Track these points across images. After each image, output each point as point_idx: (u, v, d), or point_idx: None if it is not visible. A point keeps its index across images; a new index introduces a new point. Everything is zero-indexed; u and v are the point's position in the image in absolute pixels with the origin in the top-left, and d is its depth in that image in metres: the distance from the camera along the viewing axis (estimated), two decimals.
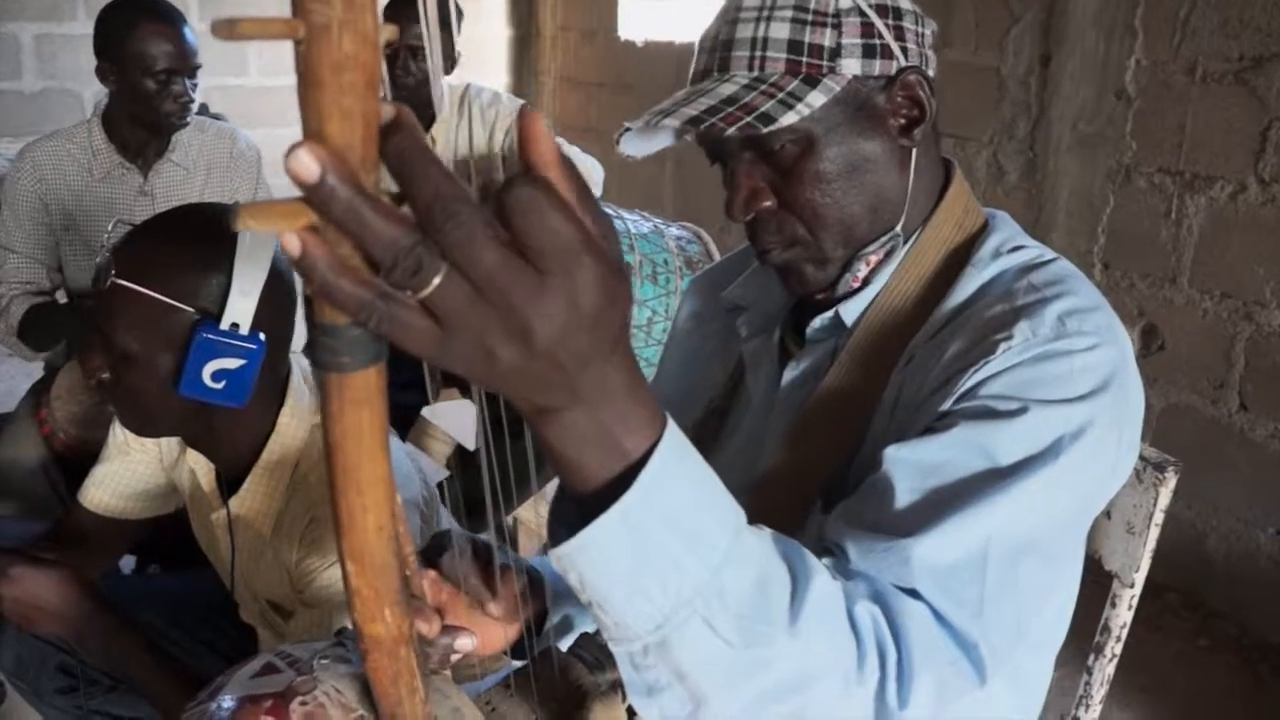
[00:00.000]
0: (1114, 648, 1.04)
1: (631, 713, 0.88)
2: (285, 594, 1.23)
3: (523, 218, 0.41)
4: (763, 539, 0.58)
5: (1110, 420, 0.78)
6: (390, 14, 2.11)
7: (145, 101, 2.09)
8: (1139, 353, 2.46)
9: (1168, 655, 2.41)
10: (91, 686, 1.42)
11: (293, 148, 0.38)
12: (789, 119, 0.81)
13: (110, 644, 1.17)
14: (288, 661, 0.74)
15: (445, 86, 2.40)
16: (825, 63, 0.84)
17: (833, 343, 0.93)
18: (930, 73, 0.89)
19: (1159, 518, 0.98)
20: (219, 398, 1.10)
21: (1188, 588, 2.59)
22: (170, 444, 1.38)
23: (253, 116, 4.23)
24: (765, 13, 0.84)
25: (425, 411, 1.99)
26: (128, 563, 1.96)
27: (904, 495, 0.74)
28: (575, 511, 0.52)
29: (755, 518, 0.58)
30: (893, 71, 0.86)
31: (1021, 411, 0.75)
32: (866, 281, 0.91)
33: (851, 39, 0.84)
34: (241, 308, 1.09)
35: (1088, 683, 1.05)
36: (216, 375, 1.09)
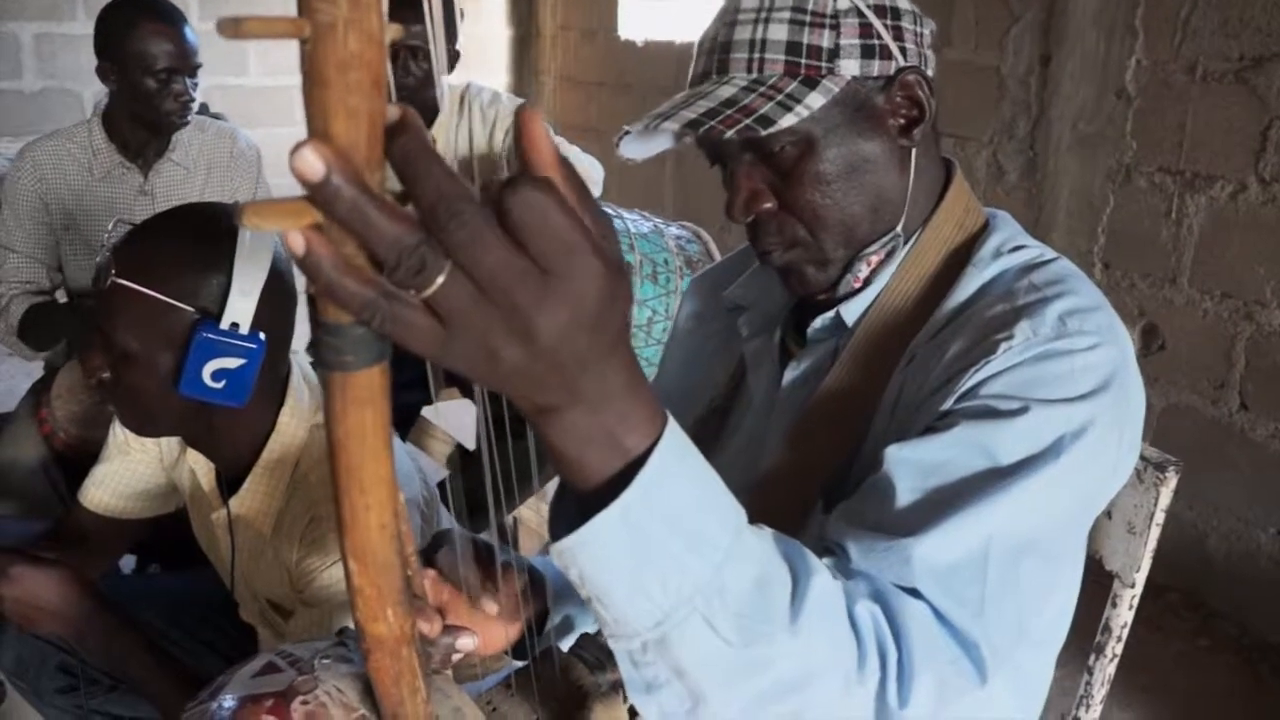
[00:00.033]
0: (1115, 648, 1.04)
1: (633, 713, 0.88)
2: (285, 593, 1.23)
3: (524, 219, 0.41)
4: (763, 538, 0.58)
5: (1111, 420, 0.78)
6: (391, 14, 2.10)
7: (146, 101, 2.09)
8: (1139, 352, 2.46)
9: (1168, 655, 2.41)
10: (92, 686, 1.42)
11: (298, 146, 0.38)
12: (788, 121, 0.81)
13: (110, 643, 1.17)
14: (289, 661, 0.74)
15: (445, 86, 2.40)
16: (824, 64, 0.84)
17: (834, 343, 0.93)
18: (929, 72, 0.89)
19: (1160, 518, 0.98)
20: (219, 397, 1.10)
21: (1188, 588, 2.59)
22: (170, 443, 1.38)
23: (253, 116, 4.23)
24: (763, 14, 0.84)
25: (426, 411, 1.99)
26: (128, 562, 1.96)
27: (905, 495, 0.74)
28: (576, 509, 0.52)
29: (756, 517, 0.58)
30: (891, 72, 0.86)
31: (1022, 411, 0.75)
32: (867, 282, 0.91)
33: (850, 40, 0.84)
34: (241, 307, 1.09)
35: (1088, 682, 1.05)
36: (216, 375, 1.09)
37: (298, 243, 0.40)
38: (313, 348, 0.44)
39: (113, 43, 2.07)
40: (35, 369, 2.31)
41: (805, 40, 0.83)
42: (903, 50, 0.86)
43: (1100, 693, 1.05)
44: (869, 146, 0.87)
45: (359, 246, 0.41)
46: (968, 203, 0.94)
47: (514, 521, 2.32)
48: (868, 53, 0.84)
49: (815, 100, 0.83)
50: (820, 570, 0.61)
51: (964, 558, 0.71)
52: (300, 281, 0.92)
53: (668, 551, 0.51)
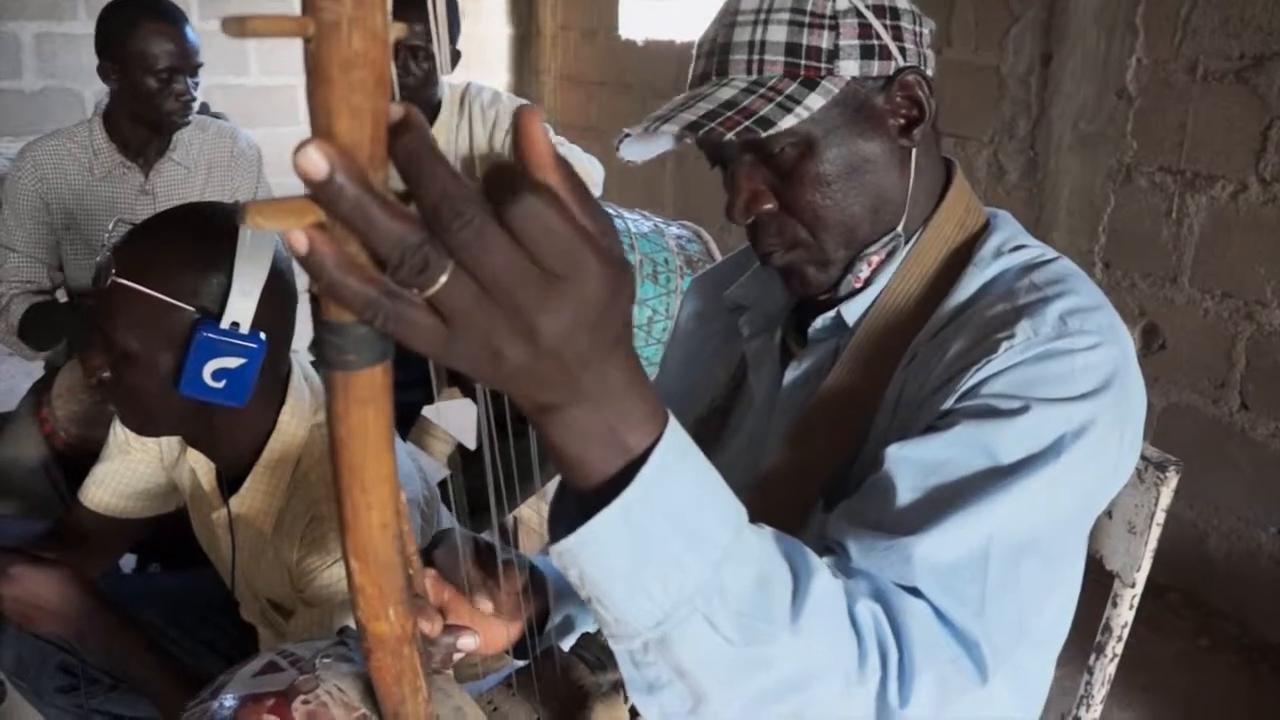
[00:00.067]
0: (1115, 647, 1.04)
1: (634, 713, 0.88)
2: (286, 593, 1.23)
3: (525, 226, 0.41)
4: (764, 537, 0.58)
5: (1112, 419, 0.78)
6: (393, 13, 2.10)
7: (147, 100, 2.09)
8: (1140, 352, 2.46)
9: (1168, 655, 2.41)
10: (92, 685, 1.42)
11: (301, 145, 0.38)
12: (788, 122, 0.81)
13: (111, 643, 1.17)
14: (290, 660, 0.74)
15: (445, 86, 2.39)
16: (823, 65, 0.84)
17: (834, 342, 0.93)
18: (929, 72, 0.89)
19: (1160, 517, 0.98)
20: (219, 397, 1.10)
21: (1188, 587, 2.59)
22: (171, 443, 1.38)
23: (253, 115, 4.23)
24: (762, 16, 0.84)
25: (427, 410, 1.99)
26: (128, 562, 1.96)
27: (905, 494, 0.74)
28: (577, 508, 0.52)
29: (757, 517, 0.58)
30: (891, 72, 0.86)
31: (1023, 410, 0.75)
32: (868, 281, 0.91)
33: (849, 40, 0.84)
34: (242, 307, 1.09)
35: (1089, 682, 1.05)
36: (217, 374, 1.09)
37: (301, 242, 0.40)
38: (315, 347, 0.45)
39: (114, 42, 2.07)
40: (36, 368, 2.31)
41: (804, 41, 0.83)
42: (902, 50, 0.86)
43: (1100, 692, 1.05)
44: (869, 147, 0.87)
45: (362, 245, 0.41)
46: (968, 202, 0.94)
47: (514, 521, 2.32)
48: (867, 53, 0.84)
49: (815, 101, 0.83)
50: (821, 569, 0.62)
51: (964, 557, 0.71)
52: (302, 281, 0.92)
53: (668, 550, 0.51)
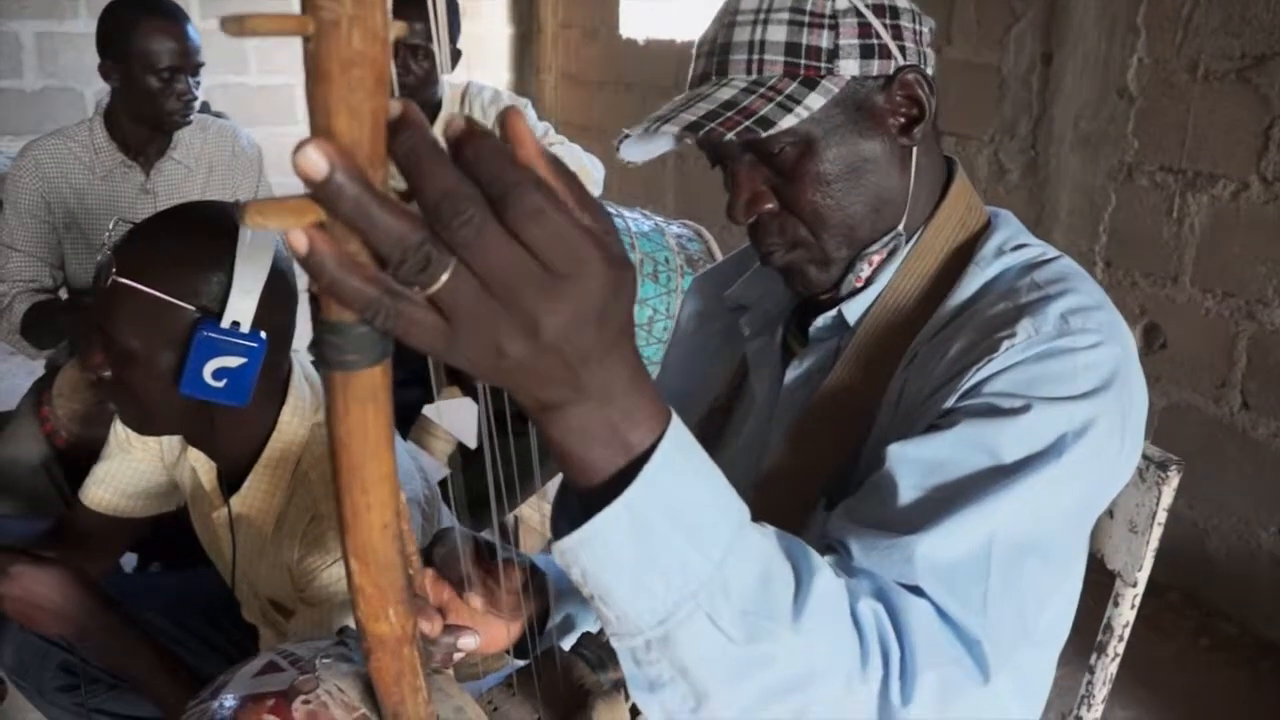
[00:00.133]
0: (1116, 647, 1.04)
1: (635, 711, 0.88)
2: (286, 592, 1.23)
3: (527, 219, 0.41)
4: (766, 535, 0.58)
5: (1113, 418, 0.78)
6: (393, 12, 2.10)
7: (148, 99, 2.09)
8: (1140, 351, 2.45)
9: (1169, 654, 2.41)
10: (93, 685, 1.42)
11: (301, 144, 0.38)
12: (788, 122, 0.81)
13: (112, 642, 1.17)
14: (290, 660, 0.74)
15: (446, 85, 2.40)
16: (823, 64, 0.83)
17: (835, 342, 0.93)
18: (929, 71, 0.89)
19: (1162, 517, 0.98)
20: (220, 396, 1.10)
21: (1189, 587, 2.59)
22: (171, 442, 1.38)
23: (254, 115, 4.23)
24: (762, 15, 0.84)
25: (427, 409, 1.99)
26: (129, 561, 1.96)
27: (907, 493, 0.74)
28: (579, 506, 0.52)
29: (758, 517, 0.58)
30: (891, 71, 0.86)
31: (1025, 409, 0.75)
32: (869, 281, 0.91)
33: (849, 40, 0.84)
34: (242, 306, 1.09)
35: (1089, 682, 1.05)
36: (217, 374, 1.09)
37: (301, 241, 0.40)
38: (314, 347, 0.44)
39: (115, 41, 2.07)
40: (37, 367, 2.31)
41: (804, 41, 0.83)
42: (902, 49, 0.86)
43: (1101, 692, 1.05)
44: (869, 146, 0.87)
45: (362, 244, 0.41)
46: (969, 201, 0.93)
47: (515, 520, 2.32)
48: (867, 52, 0.84)
49: (815, 101, 0.83)
50: (823, 568, 0.61)
51: (966, 556, 0.71)
52: (302, 280, 0.92)
53: (671, 548, 0.51)
